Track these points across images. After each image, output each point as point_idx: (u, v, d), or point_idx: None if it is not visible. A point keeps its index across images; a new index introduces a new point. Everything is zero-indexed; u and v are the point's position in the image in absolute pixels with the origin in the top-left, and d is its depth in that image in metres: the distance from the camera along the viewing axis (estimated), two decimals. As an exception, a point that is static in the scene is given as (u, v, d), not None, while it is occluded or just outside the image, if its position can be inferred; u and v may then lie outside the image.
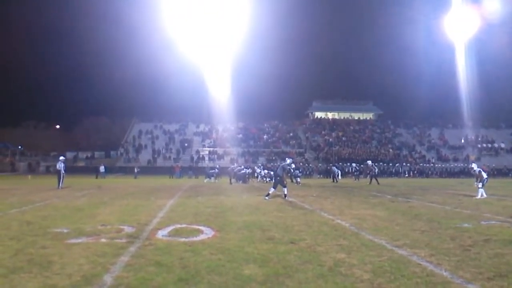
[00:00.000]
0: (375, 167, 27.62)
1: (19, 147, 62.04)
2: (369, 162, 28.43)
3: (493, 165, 47.99)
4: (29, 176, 35.49)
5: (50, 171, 47.41)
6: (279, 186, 14.39)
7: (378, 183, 24.86)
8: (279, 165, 16.31)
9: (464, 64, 52.66)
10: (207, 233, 7.15)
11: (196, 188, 20.60)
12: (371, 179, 26.10)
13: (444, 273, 4.64)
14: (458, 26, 50.65)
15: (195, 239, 6.65)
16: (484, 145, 57.69)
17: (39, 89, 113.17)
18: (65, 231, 7.32)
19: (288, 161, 15.92)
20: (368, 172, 29.03)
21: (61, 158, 21.42)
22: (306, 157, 50.83)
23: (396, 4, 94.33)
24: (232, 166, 32.02)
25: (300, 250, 5.82)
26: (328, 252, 5.72)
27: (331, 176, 32.28)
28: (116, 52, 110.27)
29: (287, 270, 4.77)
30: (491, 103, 63.81)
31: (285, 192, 14.17)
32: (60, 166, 20.37)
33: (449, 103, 66.33)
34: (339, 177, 32.49)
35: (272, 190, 14.29)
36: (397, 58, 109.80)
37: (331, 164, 39.72)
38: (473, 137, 58.83)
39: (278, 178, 14.49)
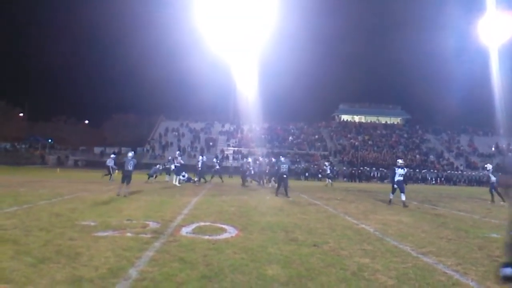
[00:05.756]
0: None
1: (49, 140, 63.80)
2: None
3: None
4: (58, 169, 36.38)
5: (78, 165, 48.71)
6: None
7: None
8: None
9: (498, 70, 51.15)
10: (230, 232, 7.20)
11: (221, 187, 20.71)
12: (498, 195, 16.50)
13: (471, 283, 4.54)
14: (492, 30, 49.26)
15: (218, 237, 6.70)
16: (516, 153, 55.98)
17: (70, 85, 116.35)
18: (92, 224, 7.50)
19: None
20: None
21: (112, 155, 25.14)
22: (331, 160, 50.45)
23: (428, 7, 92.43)
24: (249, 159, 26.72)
25: (324, 253, 5.79)
26: (351, 256, 5.68)
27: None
28: (146, 51, 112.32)
29: (310, 273, 4.75)
30: (524, 110, 61.78)
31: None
32: (110, 162, 23.84)
33: (480, 110, 64.58)
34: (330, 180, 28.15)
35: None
36: (428, 62, 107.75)
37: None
38: (504, 145, 57.16)
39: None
